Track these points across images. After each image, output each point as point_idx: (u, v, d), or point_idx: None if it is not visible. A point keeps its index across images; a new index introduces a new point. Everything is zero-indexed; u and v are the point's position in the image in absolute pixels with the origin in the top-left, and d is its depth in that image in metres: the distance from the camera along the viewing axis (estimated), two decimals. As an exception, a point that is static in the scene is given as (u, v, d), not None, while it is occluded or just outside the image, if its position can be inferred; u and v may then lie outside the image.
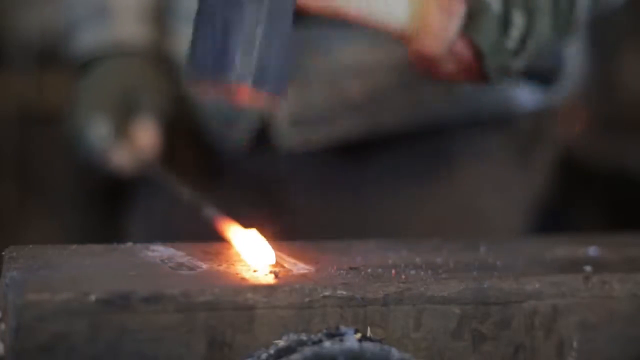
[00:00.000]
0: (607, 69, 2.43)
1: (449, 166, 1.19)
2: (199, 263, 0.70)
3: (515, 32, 0.83)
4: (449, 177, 1.18)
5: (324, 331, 0.66)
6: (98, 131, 1.17)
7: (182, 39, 1.22)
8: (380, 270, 0.71)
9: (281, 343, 0.65)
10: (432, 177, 1.19)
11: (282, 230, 1.20)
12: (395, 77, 1.16)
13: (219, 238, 0.78)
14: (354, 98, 1.15)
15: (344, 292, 0.67)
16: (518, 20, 0.83)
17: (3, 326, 0.63)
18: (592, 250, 0.80)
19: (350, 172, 1.19)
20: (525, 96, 1.20)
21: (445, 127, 1.18)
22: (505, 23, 0.83)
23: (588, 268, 0.75)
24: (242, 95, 0.73)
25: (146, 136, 1.19)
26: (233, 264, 0.71)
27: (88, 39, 1.24)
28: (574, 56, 1.24)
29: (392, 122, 1.17)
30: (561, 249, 0.81)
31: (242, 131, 1.18)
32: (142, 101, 1.20)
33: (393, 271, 0.71)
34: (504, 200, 1.21)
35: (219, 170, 1.24)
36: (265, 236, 0.75)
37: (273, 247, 0.74)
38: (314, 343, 0.65)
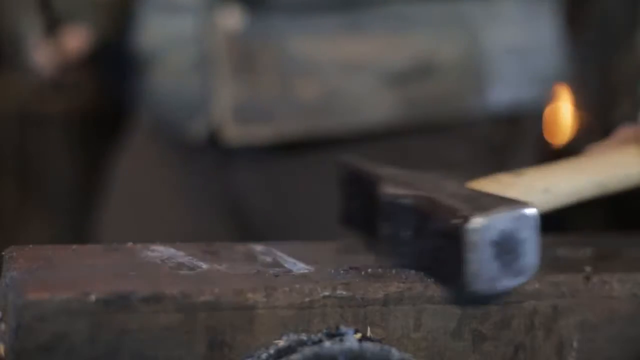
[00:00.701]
0: (607, 69, 2.43)
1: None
2: (199, 263, 0.70)
3: None
4: None
5: (324, 331, 0.66)
6: (29, 22, 1.20)
7: (149, 30, 1.22)
8: (380, 270, 0.71)
9: (281, 343, 0.65)
10: None
11: (235, 229, 1.20)
12: (345, 79, 1.14)
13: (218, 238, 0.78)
14: (302, 97, 1.13)
15: (344, 292, 0.67)
16: None
17: (3, 326, 0.63)
18: (592, 251, 0.80)
19: (297, 174, 1.18)
20: (490, 100, 1.17)
21: (400, 133, 1.16)
22: None
23: (588, 268, 0.75)
24: None
25: (74, 41, 1.20)
26: (233, 264, 0.71)
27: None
28: (548, 52, 1.21)
29: (338, 125, 1.15)
30: (561, 249, 0.81)
31: (201, 124, 1.17)
32: (80, 10, 1.22)
33: (393, 271, 0.71)
34: None
35: (173, 162, 1.24)
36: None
37: (273, 247, 0.74)
38: (314, 343, 0.65)
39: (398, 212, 0.71)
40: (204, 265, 0.69)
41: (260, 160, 1.17)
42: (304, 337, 0.65)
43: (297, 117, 1.13)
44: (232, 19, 1.13)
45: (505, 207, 0.67)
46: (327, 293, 0.66)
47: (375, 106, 1.14)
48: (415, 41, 1.13)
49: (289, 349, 0.64)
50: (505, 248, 0.66)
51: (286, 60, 1.13)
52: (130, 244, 0.74)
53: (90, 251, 0.72)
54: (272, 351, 0.64)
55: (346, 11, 1.11)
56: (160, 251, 0.72)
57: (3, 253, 0.70)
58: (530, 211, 0.68)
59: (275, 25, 1.12)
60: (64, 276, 0.65)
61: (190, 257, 0.71)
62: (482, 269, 0.66)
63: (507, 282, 0.67)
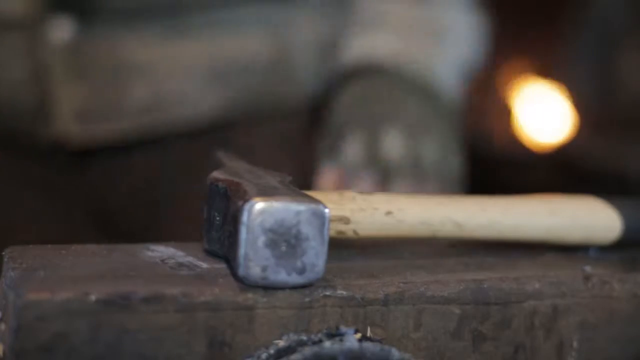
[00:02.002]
0: (607, 69, 2.43)
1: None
2: (199, 263, 0.70)
3: None
4: None
5: (324, 331, 0.66)
6: None
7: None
8: (380, 270, 0.71)
9: (281, 343, 0.65)
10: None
11: (104, 228, 1.23)
12: (172, 79, 1.20)
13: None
14: (135, 98, 1.18)
15: (344, 292, 0.67)
16: None
17: (3, 326, 0.63)
18: (592, 251, 0.80)
19: (141, 170, 1.22)
20: (304, 94, 1.24)
21: (222, 127, 1.22)
22: None
23: (588, 268, 0.75)
24: None
25: None
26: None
27: None
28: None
29: (168, 122, 1.20)
30: (561, 249, 0.81)
31: (43, 130, 1.19)
32: None
33: (393, 271, 0.71)
34: None
35: (31, 169, 1.25)
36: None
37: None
38: (314, 343, 0.65)
39: (214, 196, 0.69)
40: (204, 265, 0.69)
41: (112, 160, 1.22)
42: (304, 337, 0.65)
43: (131, 116, 1.18)
44: (62, 30, 1.16)
45: (293, 199, 0.65)
46: (327, 293, 0.66)
47: (199, 103, 1.21)
48: (230, 42, 1.21)
49: (289, 349, 0.64)
50: (282, 239, 0.64)
51: (118, 64, 1.18)
52: (130, 244, 0.75)
53: (90, 251, 0.72)
54: (272, 351, 0.64)
55: (171, 17, 1.18)
56: (160, 251, 0.72)
57: (3, 253, 0.70)
58: (318, 209, 0.65)
59: (106, 31, 1.18)
60: (64, 276, 0.65)
61: (190, 257, 0.71)
62: (252, 254, 0.64)
63: (285, 278, 0.65)
